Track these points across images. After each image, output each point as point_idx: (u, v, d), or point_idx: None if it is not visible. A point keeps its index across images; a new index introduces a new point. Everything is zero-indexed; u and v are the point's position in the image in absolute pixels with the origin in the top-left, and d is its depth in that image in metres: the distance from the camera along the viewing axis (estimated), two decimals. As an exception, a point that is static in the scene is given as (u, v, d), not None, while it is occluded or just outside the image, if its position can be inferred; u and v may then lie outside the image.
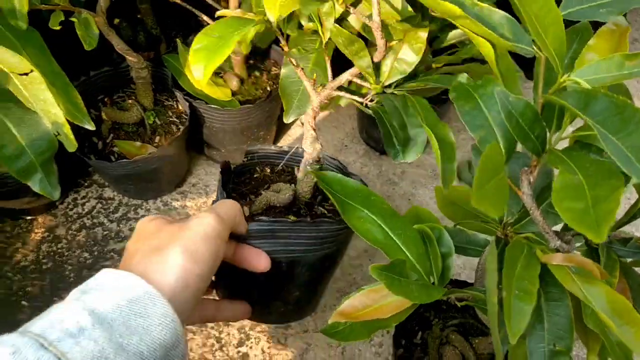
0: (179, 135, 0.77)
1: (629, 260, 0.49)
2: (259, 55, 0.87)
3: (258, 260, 0.52)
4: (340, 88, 0.51)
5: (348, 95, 0.52)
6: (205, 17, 0.67)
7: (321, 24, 0.48)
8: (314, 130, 0.54)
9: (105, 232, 0.81)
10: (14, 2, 0.52)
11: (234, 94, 0.80)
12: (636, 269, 0.48)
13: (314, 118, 0.54)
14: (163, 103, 0.81)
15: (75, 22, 0.55)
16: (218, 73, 0.81)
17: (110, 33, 0.61)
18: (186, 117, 0.79)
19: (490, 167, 0.36)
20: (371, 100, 0.51)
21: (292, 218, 0.56)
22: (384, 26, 0.46)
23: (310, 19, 0.50)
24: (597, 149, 0.42)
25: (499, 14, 0.40)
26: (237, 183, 0.63)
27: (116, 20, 0.88)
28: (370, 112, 0.51)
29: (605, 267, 0.45)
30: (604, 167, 0.35)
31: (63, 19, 0.56)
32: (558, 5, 0.38)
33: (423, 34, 0.46)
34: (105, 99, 0.79)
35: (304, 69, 0.54)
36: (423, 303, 0.45)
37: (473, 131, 0.39)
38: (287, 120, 0.61)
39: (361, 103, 0.52)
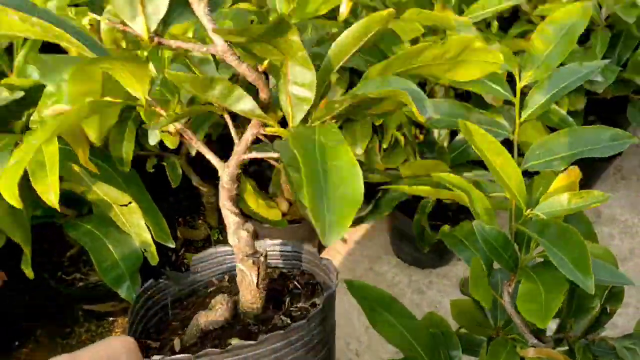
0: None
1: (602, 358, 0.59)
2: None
3: None
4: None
5: (260, 155, 0.41)
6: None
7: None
8: (234, 213, 0.43)
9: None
10: (123, 152, 0.70)
11: (283, 214, 0.95)
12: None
13: (230, 199, 0.42)
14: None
15: (165, 165, 0.73)
16: (271, 197, 0.97)
17: (190, 172, 0.79)
18: (243, 233, 0.94)
19: (478, 274, 0.49)
20: None
21: (234, 341, 0.41)
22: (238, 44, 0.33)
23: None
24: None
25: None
26: (183, 307, 0.51)
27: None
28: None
29: (580, 362, 0.55)
30: (557, 276, 0.48)
31: (156, 162, 0.74)
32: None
33: (296, 37, 0.32)
34: (180, 219, 0.96)
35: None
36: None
37: (459, 254, 0.52)
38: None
39: (277, 160, 0.44)
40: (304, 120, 0.36)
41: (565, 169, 0.56)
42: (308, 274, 0.52)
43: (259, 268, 0.43)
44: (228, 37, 0.32)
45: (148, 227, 0.73)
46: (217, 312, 0.44)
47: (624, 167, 1.35)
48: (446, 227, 0.54)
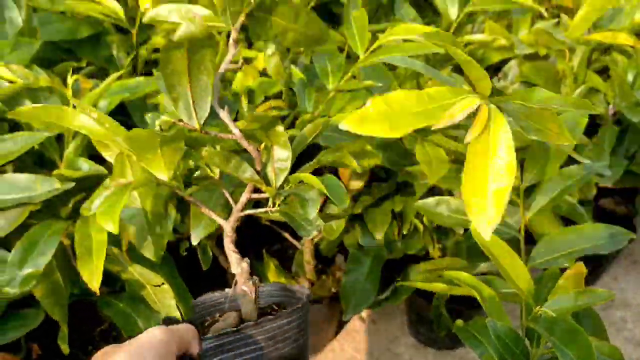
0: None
1: None
2: (326, 262, 1.08)
3: None
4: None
5: (253, 211, 0.57)
6: (290, 237, 0.89)
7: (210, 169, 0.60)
8: (235, 252, 0.57)
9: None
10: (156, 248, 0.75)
11: (304, 294, 0.99)
12: None
13: (232, 242, 0.57)
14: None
15: (197, 249, 0.78)
16: (293, 277, 1.01)
17: (219, 253, 0.84)
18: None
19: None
20: (273, 205, 0.57)
21: None
22: (248, 135, 0.53)
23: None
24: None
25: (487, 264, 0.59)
26: None
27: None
28: (277, 217, 0.58)
29: None
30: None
31: (188, 246, 0.79)
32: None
33: (280, 128, 0.53)
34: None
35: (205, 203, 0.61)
36: None
37: (474, 349, 0.56)
38: (345, 318, 0.78)
39: (266, 212, 0.57)
40: (284, 184, 0.55)
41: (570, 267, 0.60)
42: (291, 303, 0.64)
43: (256, 287, 0.57)
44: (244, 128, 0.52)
45: (178, 307, 0.78)
46: (228, 319, 0.57)
47: (636, 251, 1.37)
48: (460, 322, 0.58)
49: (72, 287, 0.80)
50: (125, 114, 0.87)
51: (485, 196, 0.40)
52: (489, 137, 0.41)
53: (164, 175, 0.48)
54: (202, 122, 0.51)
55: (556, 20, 1.05)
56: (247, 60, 0.91)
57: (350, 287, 0.90)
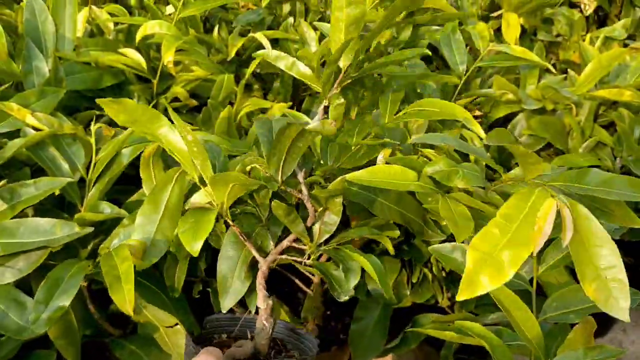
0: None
1: None
2: (335, 306, 1.08)
3: None
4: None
5: (290, 258, 0.66)
6: (299, 283, 0.91)
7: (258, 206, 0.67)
8: (264, 288, 0.63)
9: None
10: (175, 280, 0.77)
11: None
12: None
13: (264, 279, 0.64)
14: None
15: (210, 292, 0.79)
16: (302, 322, 1.02)
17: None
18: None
19: None
20: (308, 258, 0.65)
21: None
22: (312, 196, 0.63)
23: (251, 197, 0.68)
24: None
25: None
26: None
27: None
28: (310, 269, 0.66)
29: None
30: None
31: (201, 288, 0.80)
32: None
33: (339, 200, 0.64)
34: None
35: (249, 238, 0.66)
36: None
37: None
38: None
39: (300, 262, 0.65)
40: (325, 242, 0.65)
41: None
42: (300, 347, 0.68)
43: (274, 324, 0.62)
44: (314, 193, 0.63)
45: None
46: (244, 347, 0.62)
47: (647, 303, 1.36)
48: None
49: (84, 328, 0.81)
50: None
51: (604, 280, 0.46)
52: (581, 236, 0.46)
53: (223, 201, 0.59)
54: (284, 178, 0.61)
55: (564, 75, 1.08)
56: (263, 111, 0.95)
57: (359, 334, 0.91)
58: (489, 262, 0.44)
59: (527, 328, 0.56)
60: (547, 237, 0.45)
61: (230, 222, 0.63)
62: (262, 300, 0.61)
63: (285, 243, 0.64)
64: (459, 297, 0.44)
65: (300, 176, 0.61)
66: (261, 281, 0.63)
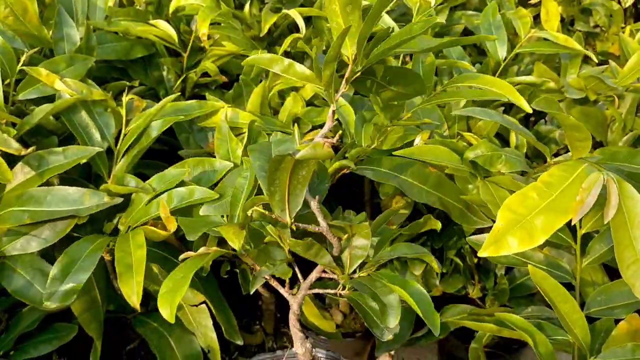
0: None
1: None
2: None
3: None
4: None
5: (322, 291, 0.60)
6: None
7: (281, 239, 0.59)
8: (300, 331, 0.60)
9: None
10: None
11: (338, 326, 0.97)
12: None
13: (297, 320, 0.60)
14: (280, 329, 1.00)
15: (238, 272, 0.77)
16: (326, 308, 1.00)
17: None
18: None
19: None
20: (343, 289, 0.58)
21: None
22: (332, 226, 0.56)
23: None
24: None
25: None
26: None
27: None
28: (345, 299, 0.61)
29: None
30: None
31: (229, 268, 0.78)
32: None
33: (366, 224, 0.55)
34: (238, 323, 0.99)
35: (275, 277, 0.62)
36: None
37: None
38: (377, 354, 0.76)
39: (334, 294, 0.59)
40: (357, 269, 0.58)
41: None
42: None
43: None
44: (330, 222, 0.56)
45: (214, 328, 0.77)
46: None
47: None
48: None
49: (107, 304, 0.80)
50: (171, 134, 0.88)
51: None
52: (625, 215, 0.44)
53: (235, 246, 0.57)
54: (292, 215, 0.54)
55: (605, 66, 1.04)
56: (295, 89, 0.92)
57: (385, 323, 0.88)
58: (521, 224, 0.43)
59: (572, 322, 0.53)
60: (589, 209, 0.43)
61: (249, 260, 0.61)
62: (299, 345, 0.59)
63: (314, 275, 0.59)
64: (481, 253, 0.43)
65: (314, 205, 0.54)
66: (295, 324, 0.60)
